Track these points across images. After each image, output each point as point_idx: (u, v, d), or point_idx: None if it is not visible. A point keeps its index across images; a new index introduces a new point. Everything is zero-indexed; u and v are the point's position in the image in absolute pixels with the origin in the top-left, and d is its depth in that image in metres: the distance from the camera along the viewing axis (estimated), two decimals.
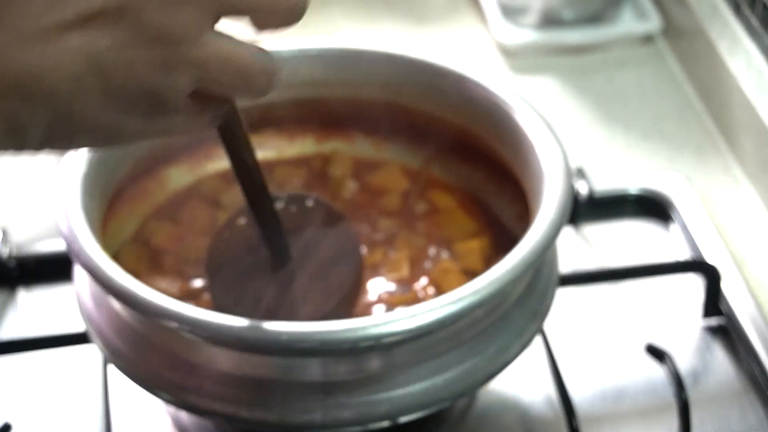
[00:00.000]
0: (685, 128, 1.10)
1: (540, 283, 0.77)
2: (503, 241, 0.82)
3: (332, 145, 0.89)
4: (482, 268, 0.75)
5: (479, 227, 0.85)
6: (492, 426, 0.84)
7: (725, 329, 0.90)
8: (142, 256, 0.82)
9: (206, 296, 0.80)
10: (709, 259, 0.93)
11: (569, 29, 1.18)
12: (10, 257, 0.94)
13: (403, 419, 0.71)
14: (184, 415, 0.83)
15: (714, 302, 0.90)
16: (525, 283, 0.75)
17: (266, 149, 0.89)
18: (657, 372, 0.85)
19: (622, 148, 1.08)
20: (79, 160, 0.77)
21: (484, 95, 0.83)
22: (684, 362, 0.87)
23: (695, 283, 0.93)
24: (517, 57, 1.18)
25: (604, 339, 0.89)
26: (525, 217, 0.78)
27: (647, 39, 1.20)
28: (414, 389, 0.71)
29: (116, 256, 0.81)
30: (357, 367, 0.70)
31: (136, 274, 0.72)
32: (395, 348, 0.70)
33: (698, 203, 0.99)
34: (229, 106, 0.66)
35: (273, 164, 0.88)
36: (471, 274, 0.75)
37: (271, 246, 0.76)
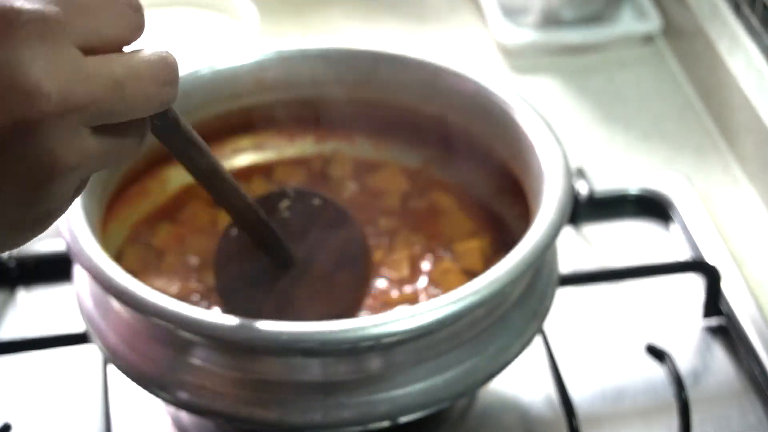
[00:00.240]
0: (685, 128, 1.10)
1: (540, 283, 0.77)
2: (503, 241, 0.82)
3: (332, 145, 0.89)
4: (482, 268, 0.75)
5: (479, 227, 0.85)
6: (492, 426, 0.84)
7: (725, 329, 0.90)
8: (144, 257, 0.82)
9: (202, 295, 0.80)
10: (709, 259, 0.93)
11: (569, 29, 1.18)
12: (10, 257, 0.94)
13: (403, 419, 0.71)
14: (184, 415, 0.83)
15: (714, 302, 0.90)
16: (525, 283, 0.75)
17: (266, 149, 0.89)
18: (657, 372, 0.85)
19: (622, 148, 1.08)
20: None
21: (484, 95, 0.83)
22: (684, 362, 0.87)
23: (695, 283, 0.93)
24: (517, 57, 1.18)
25: (604, 339, 0.89)
26: (525, 217, 0.78)
27: (647, 39, 1.20)
28: (414, 389, 0.71)
29: (118, 256, 0.81)
30: (357, 367, 0.70)
31: (137, 274, 0.73)
32: (395, 348, 0.70)
33: (698, 203, 0.99)
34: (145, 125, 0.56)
35: (273, 164, 0.89)
36: (471, 274, 0.75)
37: (267, 252, 0.75)
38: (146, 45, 0.52)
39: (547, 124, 0.80)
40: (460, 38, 1.19)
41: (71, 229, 0.73)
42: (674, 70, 1.17)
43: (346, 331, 0.68)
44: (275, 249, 0.75)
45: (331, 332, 0.67)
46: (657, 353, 0.84)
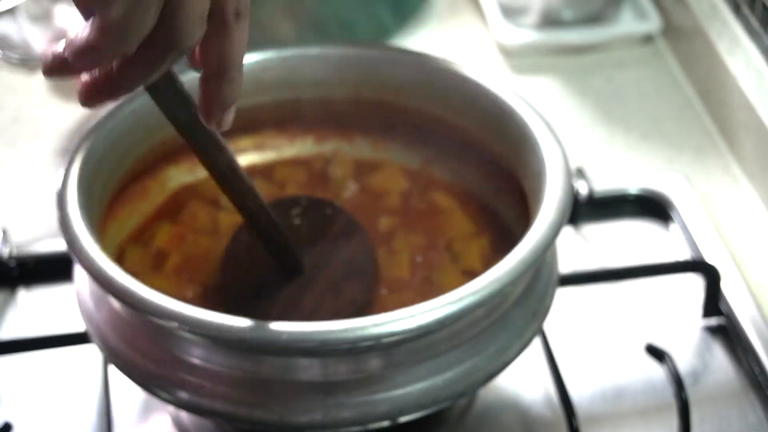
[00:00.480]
0: (684, 128, 1.10)
1: (540, 283, 0.77)
2: (503, 241, 0.82)
3: (332, 145, 0.89)
4: (482, 268, 0.75)
5: (479, 227, 0.85)
6: (492, 425, 0.84)
7: (725, 329, 0.90)
8: (145, 257, 0.82)
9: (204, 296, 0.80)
10: (709, 259, 0.93)
11: (569, 29, 1.18)
12: (10, 257, 0.94)
13: (403, 419, 0.71)
14: (184, 415, 0.83)
15: (714, 302, 0.90)
16: (525, 283, 0.75)
17: (266, 149, 0.89)
18: (657, 372, 0.85)
19: (621, 148, 1.08)
20: (79, 161, 0.77)
21: (484, 95, 0.83)
22: (684, 362, 0.87)
23: (695, 283, 0.93)
24: (517, 57, 1.18)
25: (604, 339, 0.90)
26: (525, 218, 0.78)
27: (647, 39, 1.20)
28: (414, 389, 0.71)
29: (119, 257, 0.81)
30: (357, 366, 0.70)
31: (138, 275, 0.73)
32: (395, 348, 0.70)
33: (698, 203, 0.99)
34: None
35: (273, 164, 0.89)
36: (471, 274, 0.75)
37: (276, 257, 0.76)
38: None
39: (547, 124, 0.80)
40: (460, 38, 1.19)
41: (71, 228, 0.73)
42: (674, 70, 1.17)
43: (346, 330, 0.67)
44: (284, 254, 0.76)
45: (330, 332, 0.67)
46: (657, 353, 0.84)
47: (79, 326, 0.81)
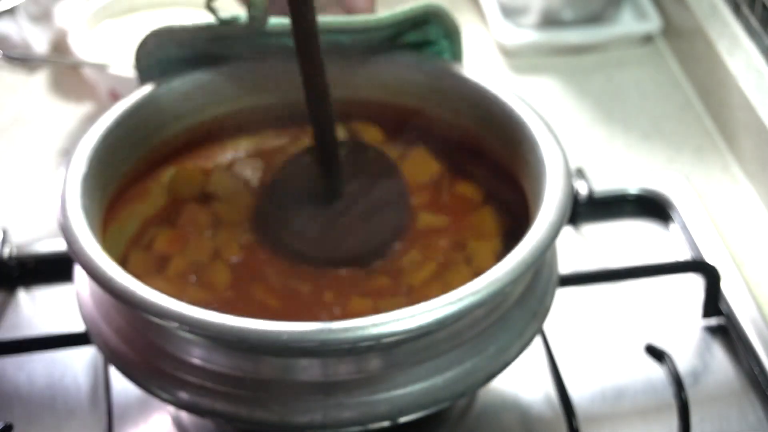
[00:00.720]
0: (684, 128, 1.10)
1: (540, 283, 0.77)
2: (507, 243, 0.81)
3: None
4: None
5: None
6: (492, 425, 0.84)
7: (725, 329, 0.90)
8: (147, 259, 0.82)
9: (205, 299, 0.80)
10: (709, 259, 0.93)
11: (569, 29, 1.18)
12: (10, 257, 0.94)
13: (403, 419, 0.71)
14: (184, 415, 0.83)
15: (714, 302, 0.90)
16: (525, 284, 0.75)
17: (268, 150, 0.89)
18: (656, 372, 0.85)
19: (621, 147, 1.08)
20: (80, 160, 0.77)
21: (484, 96, 0.83)
22: (683, 362, 0.87)
23: (695, 283, 0.93)
24: (517, 57, 1.18)
25: (604, 339, 0.90)
26: (525, 219, 0.78)
27: (647, 39, 1.20)
28: (414, 389, 0.71)
29: (121, 259, 0.81)
30: (357, 367, 0.70)
31: (141, 277, 0.73)
32: (395, 348, 0.70)
33: (698, 203, 0.99)
34: None
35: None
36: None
37: (325, 177, 0.80)
38: None
39: (548, 125, 0.80)
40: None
41: (71, 229, 0.73)
42: (674, 70, 1.17)
43: (346, 330, 0.67)
44: (332, 175, 0.81)
45: (331, 332, 0.67)
46: (656, 353, 0.84)
47: (79, 326, 0.81)
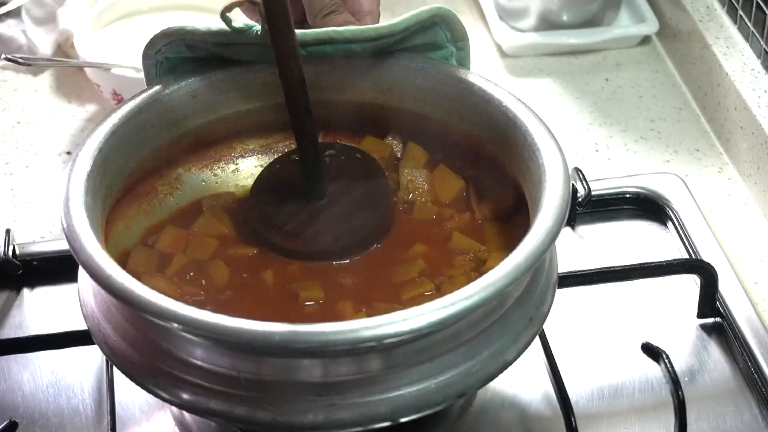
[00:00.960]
0: (681, 129, 1.10)
1: (538, 285, 0.77)
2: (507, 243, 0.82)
3: None
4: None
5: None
6: (491, 424, 0.84)
7: (720, 328, 0.91)
8: (148, 259, 0.82)
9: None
10: (706, 259, 0.93)
11: (567, 32, 1.18)
12: (14, 257, 0.94)
13: (402, 420, 0.71)
14: (187, 414, 0.84)
15: (710, 302, 0.91)
16: (523, 286, 0.75)
17: (274, 152, 0.89)
18: (654, 370, 0.85)
19: (619, 149, 1.08)
20: (84, 160, 0.78)
21: (484, 99, 0.82)
22: (680, 361, 0.87)
23: (691, 282, 0.93)
24: (516, 59, 1.18)
25: (602, 338, 0.90)
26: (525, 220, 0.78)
27: (644, 41, 1.20)
28: (412, 390, 0.71)
29: (123, 258, 0.81)
30: (356, 368, 0.71)
31: (141, 276, 0.73)
32: (394, 349, 0.70)
33: (694, 204, 0.99)
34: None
35: None
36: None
37: (306, 177, 0.82)
38: None
39: (546, 127, 0.79)
40: None
41: (73, 228, 0.73)
42: (671, 71, 1.17)
43: (345, 332, 0.67)
44: (313, 176, 0.82)
45: (330, 333, 0.67)
46: (653, 352, 0.85)
47: (83, 325, 0.81)
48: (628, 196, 1.01)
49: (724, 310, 0.91)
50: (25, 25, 1.18)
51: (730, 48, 1.09)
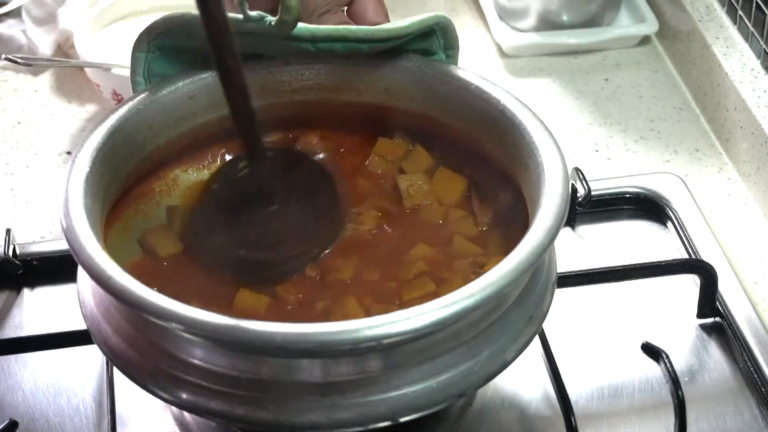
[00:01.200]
0: (681, 129, 1.11)
1: (538, 285, 0.77)
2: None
3: (333, 146, 0.89)
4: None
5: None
6: (491, 423, 0.84)
7: (720, 328, 0.91)
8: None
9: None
10: (705, 259, 0.93)
11: (567, 32, 1.19)
12: (14, 257, 0.94)
13: (402, 420, 0.72)
14: (187, 414, 0.84)
15: (710, 301, 0.91)
16: (522, 286, 0.75)
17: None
18: (654, 370, 0.85)
19: (618, 148, 1.08)
20: (84, 159, 0.78)
21: (483, 98, 0.83)
22: (680, 360, 0.88)
23: (691, 282, 0.93)
24: (516, 59, 1.19)
25: (602, 338, 0.90)
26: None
27: (644, 41, 1.20)
28: (412, 390, 0.71)
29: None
30: (356, 368, 0.71)
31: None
32: (394, 349, 0.70)
33: (694, 204, 0.99)
34: None
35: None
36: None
37: (255, 176, 0.80)
38: None
39: (548, 130, 0.79)
40: (460, 40, 1.19)
41: (73, 229, 0.73)
42: (671, 71, 1.17)
43: (345, 332, 0.67)
44: (258, 160, 0.81)
45: (330, 333, 0.67)
46: (653, 352, 0.85)
47: (83, 325, 0.81)
48: (628, 196, 1.01)
49: (724, 310, 0.91)
50: (25, 25, 1.18)
51: (730, 48, 1.09)
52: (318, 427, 0.70)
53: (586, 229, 0.99)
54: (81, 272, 0.78)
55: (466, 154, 0.85)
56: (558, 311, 0.85)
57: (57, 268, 0.94)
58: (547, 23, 1.18)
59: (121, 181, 0.82)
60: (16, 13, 1.20)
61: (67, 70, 1.16)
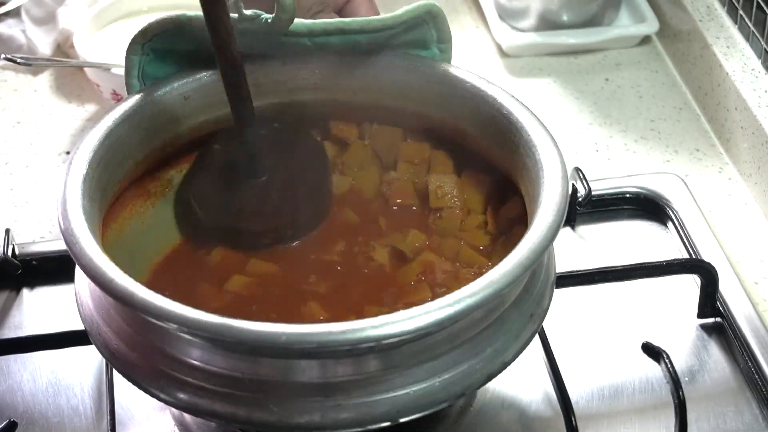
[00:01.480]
0: (681, 129, 1.11)
1: (537, 285, 0.77)
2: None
3: (332, 148, 0.89)
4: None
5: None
6: (492, 423, 0.84)
7: (721, 328, 0.91)
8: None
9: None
10: (706, 259, 0.93)
11: (567, 31, 1.19)
12: (13, 257, 0.94)
13: (402, 420, 0.72)
14: (187, 414, 0.84)
15: (710, 301, 0.91)
16: (522, 286, 0.76)
17: None
18: (654, 370, 0.85)
19: (619, 148, 1.08)
20: (81, 161, 0.78)
21: (481, 99, 0.83)
22: (680, 361, 0.88)
23: (691, 282, 0.93)
24: (516, 59, 1.19)
25: (602, 338, 0.90)
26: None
27: (644, 41, 1.20)
28: (412, 390, 0.71)
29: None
30: (356, 368, 0.71)
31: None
32: (394, 349, 0.70)
33: (694, 204, 0.99)
34: None
35: None
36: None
37: (244, 149, 0.82)
38: None
39: (545, 128, 0.80)
40: (460, 40, 1.19)
41: (71, 230, 0.73)
42: (671, 71, 1.17)
43: (345, 332, 0.68)
44: (246, 131, 0.82)
45: (329, 333, 0.67)
46: (653, 352, 0.85)
47: (82, 325, 0.81)
48: (628, 196, 1.01)
49: (725, 310, 0.91)
50: (24, 25, 1.18)
51: (731, 48, 1.09)
52: (320, 428, 0.71)
53: (586, 229, 0.99)
54: (79, 274, 0.78)
55: (463, 154, 0.85)
56: (558, 311, 0.85)
57: (56, 268, 0.94)
58: (547, 23, 1.18)
59: (118, 182, 0.82)
60: (15, 13, 1.20)
61: (67, 70, 1.16)
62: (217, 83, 0.84)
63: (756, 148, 1.02)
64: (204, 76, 0.85)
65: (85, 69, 1.10)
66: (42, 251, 0.96)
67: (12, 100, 1.15)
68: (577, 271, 0.91)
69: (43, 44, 1.17)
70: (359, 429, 0.71)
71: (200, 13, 0.80)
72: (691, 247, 0.96)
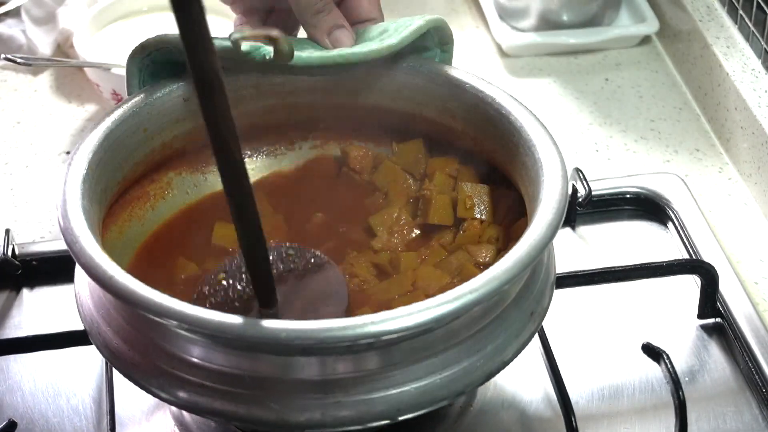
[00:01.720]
0: (681, 129, 1.11)
1: (537, 283, 0.77)
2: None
3: (331, 149, 0.89)
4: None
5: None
6: (491, 423, 0.84)
7: (721, 328, 0.91)
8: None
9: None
10: (706, 259, 0.93)
11: (567, 32, 1.19)
12: (13, 257, 0.94)
13: (402, 418, 0.72)
14: (187, 413, 0.84)
15: (710, 302, 0.91)
16: (522, 283, 0.76)
17: (265, 155, 0.89)
18: (654, 371, 0.85)
19: (619, 148, 1.08)
20: (81, 162, 0.78)
21: (481, 99, 0.83)
22: (680, 361, 0.88)
23: (691, 282, 0.93)
24: (516, 59, 1.19)
25: (602, 338, 0.90)
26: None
27: (644, 41, 1.20)
28: (412, 388, 0.71)
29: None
30: (355, 365, 0.71)
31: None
32: (393, 346, 0.70)
33: (694, 204, 0.99)
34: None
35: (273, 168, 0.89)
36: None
37: (256, 282, 0.73)
38: None
39: (544, 127, 0.80)
40: (460, 40, 1.19)
41: (71, 230, 0.73)
42: (671, 71, 1.17)
43: (345, 328, 0.68)
44: (264, 281, 0.73)
45: (329, 330, 0.68)
46: (654, 352, 0.85)
47: (82, 325, 0.81)
48: (628, 196, 1.01)
49: (725, 311, 0.91)
50: (24, 25, 1.18)
51: (731, 48, 1.09)
52: (320, 425, 0.71)
53: (586, 230, 0.99)
54: (79, 274, 0.78)
55: (463, 154, 0.85)
56: (558, 311, 0.85)
57: (56, 268, 0.94)
58: (547, 23, 1.18)
59: (117, 183, 0.82)
60: (15, 13, 1.21)
61: (67, 69, 1.16)
62: None
63: (756, 148, 1.02)
64: None
65: (85, 69, 1.10)
66: (42, 251, 0.96)
67: (12, 100, 1.15)
68: (577, 271, 0.91)
69: (43, 44, 1.17)
70: (359, 427, 0.71)
71: None
72: (691, 247, 0.96)
